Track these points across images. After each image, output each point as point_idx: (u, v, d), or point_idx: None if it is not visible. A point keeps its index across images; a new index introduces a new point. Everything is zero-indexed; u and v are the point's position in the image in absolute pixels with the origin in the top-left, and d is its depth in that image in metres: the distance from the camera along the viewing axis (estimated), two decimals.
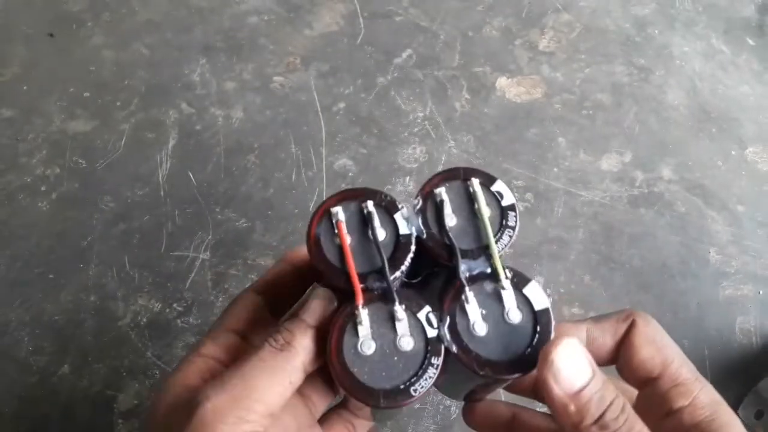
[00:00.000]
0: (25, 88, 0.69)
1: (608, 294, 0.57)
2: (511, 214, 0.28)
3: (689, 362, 0.26)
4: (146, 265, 0.57)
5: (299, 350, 0.25)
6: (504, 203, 0.29)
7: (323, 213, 0.28)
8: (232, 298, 0.55)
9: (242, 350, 0.28)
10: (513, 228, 0.28)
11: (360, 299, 0.26)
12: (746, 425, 0.22)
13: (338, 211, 0.27)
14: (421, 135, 0.66)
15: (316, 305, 0.27)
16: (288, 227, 0.60)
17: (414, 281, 0.30)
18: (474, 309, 0.26)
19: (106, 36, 0.73)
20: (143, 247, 0.58)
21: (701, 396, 0.24)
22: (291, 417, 0.28)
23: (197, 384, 0.25)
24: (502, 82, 0.71)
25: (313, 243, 0.27)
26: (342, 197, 0.28)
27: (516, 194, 0.63)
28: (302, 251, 0.31)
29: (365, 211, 0.28)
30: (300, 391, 0.28)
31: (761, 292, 0.58)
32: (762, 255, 0.60)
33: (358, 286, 0.26)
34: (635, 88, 0.71)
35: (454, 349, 0.26)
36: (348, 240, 0.27)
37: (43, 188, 0.62)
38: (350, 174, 0.63)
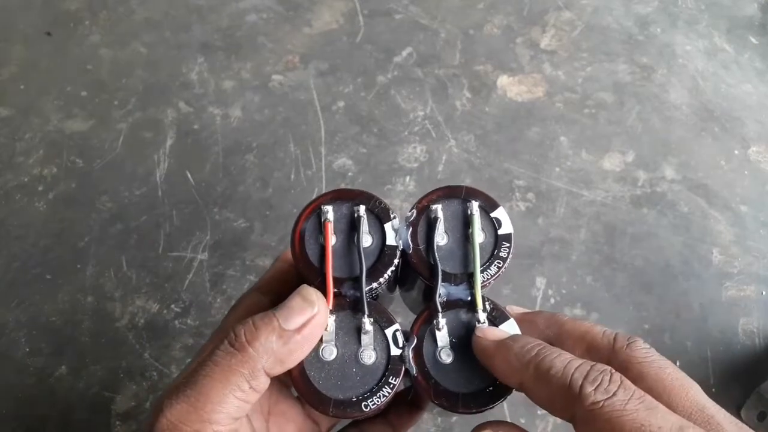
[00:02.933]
0: (22, 87, 0.68)
1: (610, 294, 0.57)
2: (506, 245, 0.27)
3: None
4: (144, 266, 0.57)
5: (260, 352, 0.22)
6: (500, 231, 0.27)
7: (314, 209, 0.27)
8: (231, 299, 0.55)
9: None
10: (504, 260, 0.27)
11: (330, 304, 0.25)
12: (749, 427, 0.21)
13: (328, 210, 0.27)
14: (421, 134, 0.66)
15: (297, 307, 0.24)
16: (287, 227, 0.59)
17: (408, 291, 0.30)
18: (444, 336, 0.26)
19: (104, 35, 0.73)
20: (141, 247, 0.58)
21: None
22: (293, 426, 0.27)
23: None
24: (503, 80, 0.71)
25: (298, 238, 0.27)
26: (336, 196, 0.27)
27: (518, 194, 0.62)
28: None
29: (356, 215, 0.27)
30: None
31: (764, 293, 0.58)
32: (765, 255, 0.60)
33: (331, 291, 0.25)
34: (637, 87, 0.71)
35: (414, 372, 0.25)
36: (333, 241, 0.26)
37: (40, 188, 0.61)
38: (350, 173, 0.63)
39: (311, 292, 0.24)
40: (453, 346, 0.26)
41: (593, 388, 0.20)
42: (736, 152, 0.67)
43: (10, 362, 0.52)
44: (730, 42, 0.75)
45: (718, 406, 0.21)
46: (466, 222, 0.27)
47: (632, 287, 0.57)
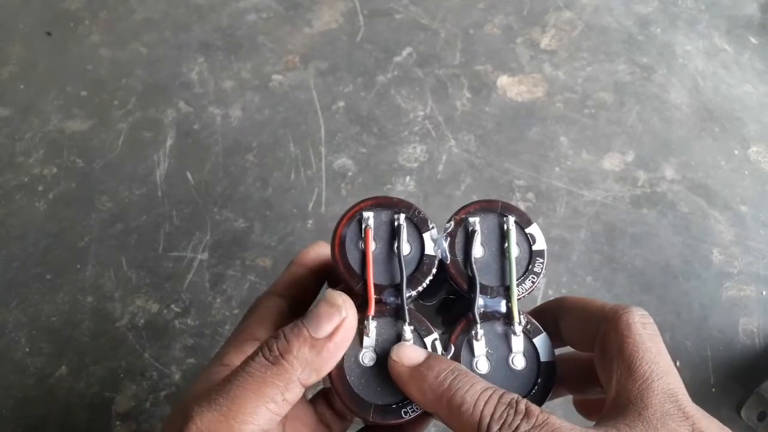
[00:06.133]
0: (22, 86, 0.68)
1: (611, 294, 0.57)
2: (539, 260, 0.28)
3: None
4: (144, 266, 0.57)
5: (294, 364, 0.22)
6: (535, 247, 0.28)
7: (353, 215, 0.27)
8: (231, 298, 0.55)
9: None
10: (538, 275, 0.28)
11: (372, 310, 0.26)
12: (749, 427, 0.21)
13: (369, 217, 0.27)
14: (421, 134, 0.66)
15: (325, 314, 0.23)
16: (287, 227, 0.59)
17: (428, 303, 0.30)
18: (481, 346, 0.26)
19: (104, 34, 0.73)
20: (141, 247, 0.58)
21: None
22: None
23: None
24: (503, 80, 0.71)
25: (338, 243, 0.27)
26: (376, 203, 0.28)
27: (518, 194, 0.62)
28: (314, 253, 0.30)
29: (396, 223, 0.27)
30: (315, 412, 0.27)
31: (764, 293, 0.58)
32: (765, 255, 0.60)
33: (373, 297, 0.26)
34: (638, 87, 0.71)
35: None
36: (372, 247, 0.27)
37: (40, 188, 0.61)
38: (350, 173, 0.63)
39: (337, 297, 0.24)
40: (489, 357, 0.26)
41: (498, 426, 0.21)
42: (736, 152, 0.67)
43: (10, 362, 0.52)
44: (730, 42, 0.75)
45: (670, 397, 0.21)
46: (502, 236, 0.28)
47: (632, 287, 0.57)
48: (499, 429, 0.21)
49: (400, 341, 0.26)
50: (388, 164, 0.64)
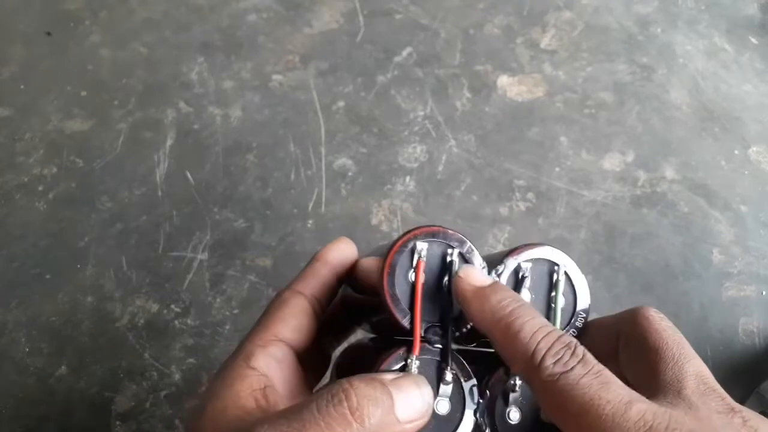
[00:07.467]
0: (22, 87, 0.68)
1: (611, 295, 0.57)
2: (582, 316, 0.28)
3: None
4: (144, 266, 0.56)
5: (371, 429, 0.21)
6: (579, 304, 0.28)
7: (405, 242, 0.26)
8: (231, 299, 0.55)
9: (295, 371, 0.26)
10: (578, 330, 0.28)
11: (417, 351, 0.25)
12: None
13: (423, 249, 0.26)
14: (421, 134, 0.66)
15: (416, 401, 0.22)
16: (287, 227, 0.59)
17: (469, 347, 0.29)
18: (516, 396, 0.26)
19: (104, 35, 0.73)
20: (141, 247, 0.58)
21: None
22: None
23: (251, 407, 0.23)
24: (503, 80, 0.71)
25: (387, 272, 0.26)
26: (430, 232, 0.27)
27: (518, 194, 0.62)
28: (339, 252, 0.29)
29: (448, 259, 0.26)
30: None
31: (764, 293, 0.58)
32: (765, 255, 0.60)
33: (419, 335, 0.25)
34: (638, 87, 0.71)
35: (484, 428, 0.25)
36: (421, 280, 0.26)
37: (40, 188, 0.61)
38: (350, 173, 0.63)
39: (429, 390, 0.23)
40: (521, 406, 0.26)
41: (553, 361, 0.21)
42: (736, 152, 0.67)
43: (10, 362, 0.52)
44: (730, 42, 0.75)
45: (703, 379, 0.21)
46: (551, 283, 0.28)
47: (632, 287, 0.57)
48: (554, 363, 0.20)
49: (440, 383, 0.25)
50: (388, 164, 0.64)
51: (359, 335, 0.33)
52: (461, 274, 0.25)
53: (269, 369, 0.25)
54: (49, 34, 0.73)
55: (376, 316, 0.28)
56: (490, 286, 0.24)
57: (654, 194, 0.63)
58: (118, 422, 0.49)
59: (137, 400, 0.50)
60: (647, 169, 0.65)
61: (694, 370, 0.22)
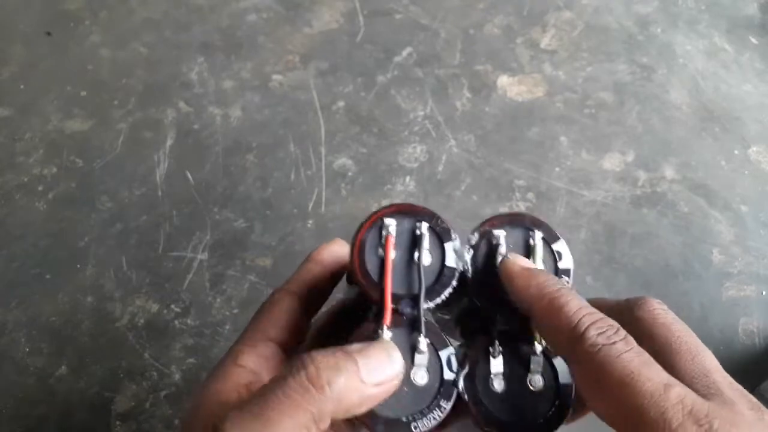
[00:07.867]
0: (22, 87, 0.68)
1: (611, 295, 0.57)
2: (565, 278, 0.27)
3: None
4: (144, 266, 0.57)
5: (335, 396, 0.21)
6: (561, 265, 0.27)
7: (375, 221, 0.27)
8: (231, 299, 0.55)
9: (282, 364, 0.26)
10: None
11: (388, 320, 0.25)
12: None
13: (391, 224, 0.26)
14: (421, 134, 0.66)
15: (382, 362, 0.22)
16: (287, 227, 0.59)
17: (446, 316, 0.29)
18: (498, 364, 0.26)
19: (104, 34, 0.73)
20: (141, 247, 0.58)
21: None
22: None
23: (233, 399, 0.24)
24: (503, 80, 0.71)
25: (358, 249, 0.26)
26: (398, 210, 0.27)
27: (518, 194, 0.62)
28: (332, 251, 0.30)
29: (417, 232, 0.27)
30: None
31: (764, 293, 0.58)
32: (765, 255, 0.60)
33: (390, 307, 0.25)
34: (638, 87, 0.71)
35: (465, 397, 0.25)
36: (392, 256, 0.26)
37: (40, 188, 0.61)
38: (350, 173, 0.63)
39: (398, 354, 0.23)
40: (506, 376, 0.26)
41: (597, 332, 0.21)
42: (736, 152, 0.67)
43: (10, 362, 0.52)
44: (730, 42, 0.75)
45: (725, 374, 0.21)
46: (528, 251, 0.27)
47: (632, 287, 0.57)
48: (597, 335, 0.21)
49: (414, 352, 0.25)
50: (388, 164, 0.64)
51: None
52: (510, 257, 0.26)
53: (258, 366, 0.25)
54: (49, 34, 0.73)
55: (363, 306, 0.28)
56: (536, 268, 0.25)
57: (654, 194, 0.63)
58: (118, 422, 0.49)
59: (137, 400, 0.50)
60: (647, 169, 0.65)
61: (714, 365, 0.22)
